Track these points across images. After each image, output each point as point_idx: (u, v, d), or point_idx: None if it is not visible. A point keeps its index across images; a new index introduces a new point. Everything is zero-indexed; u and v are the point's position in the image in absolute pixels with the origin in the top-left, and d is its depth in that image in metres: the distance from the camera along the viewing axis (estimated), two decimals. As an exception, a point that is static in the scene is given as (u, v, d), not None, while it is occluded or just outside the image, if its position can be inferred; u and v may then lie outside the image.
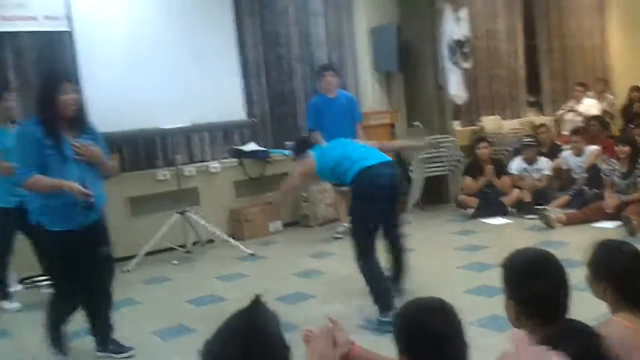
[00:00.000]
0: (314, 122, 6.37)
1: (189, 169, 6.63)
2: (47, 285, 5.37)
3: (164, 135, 6.44)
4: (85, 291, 3.70)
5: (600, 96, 9.41)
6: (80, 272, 3.59)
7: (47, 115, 3.47)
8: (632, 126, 8.48)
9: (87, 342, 3.89)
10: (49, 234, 3.51)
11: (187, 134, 6.65)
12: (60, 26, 5.93)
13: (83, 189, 3.40)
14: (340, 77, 7.92)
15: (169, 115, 6.01)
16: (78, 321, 3.86)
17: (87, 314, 3.80)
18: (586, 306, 2.55)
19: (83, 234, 3.54)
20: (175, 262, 5.93)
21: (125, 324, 4.43)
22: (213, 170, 6.78)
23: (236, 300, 4.70)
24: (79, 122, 3.60)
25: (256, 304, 1.48)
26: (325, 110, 6.36)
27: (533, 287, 1.99)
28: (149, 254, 5.89)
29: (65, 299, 3.72)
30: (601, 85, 9.64)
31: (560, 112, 9.29)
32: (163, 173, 6.43)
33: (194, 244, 6.26)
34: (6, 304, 4.99)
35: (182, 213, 6.04)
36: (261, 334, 1.42)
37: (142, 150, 6.50)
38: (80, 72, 5.83)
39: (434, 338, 1.75)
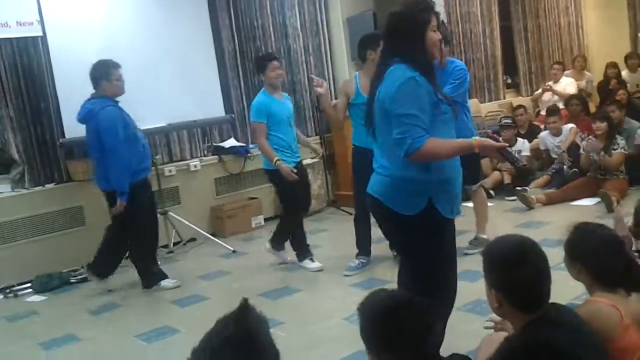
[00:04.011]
0: None
1: (169, 169, 6.60)
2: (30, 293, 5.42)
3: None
4: None
5: (579, 74, 9.45)
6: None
7: (423, 59, 2.72)
8: (607, 102, 8.53)
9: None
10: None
11: (165, 133, 6.62)
12: (33, 32, 5.88)
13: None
14: (318, 67, 7.95)
15: (147, 115, 5.96)
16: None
17: None
18: (568, 286, 2.61)
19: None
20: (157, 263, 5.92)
21: (108, 329, 4.47)
22: (193, 168, 6.77)
23: (220, 299, 4.77)
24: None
25: (245, 309, 1.44)
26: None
27: (515, 277, 2.00)
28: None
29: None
30: (581, 62, 9.67)
31: (538, 92, 9.34)
32: (143, 174, 6.40)
33: (176, 244, 6.26)
34: (310, 263, 5.24)
35: (164, 213, 6.04)
36: (252, 341, 1.39)
37: (120, 152, 6.46)
38: (55, 77, 5.81)
39: (407, 340, 1.74)
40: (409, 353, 1.76)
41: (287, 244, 5.40)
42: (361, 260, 5.06)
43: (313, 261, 5.27)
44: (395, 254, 5.01)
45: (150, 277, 5.17)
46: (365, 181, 4.91)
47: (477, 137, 2.68)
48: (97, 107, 4.89)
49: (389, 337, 1.76)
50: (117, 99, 5.01)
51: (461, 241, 5.40)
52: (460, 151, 2.69)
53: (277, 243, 5.39)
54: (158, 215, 5.87)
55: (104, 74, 4.95)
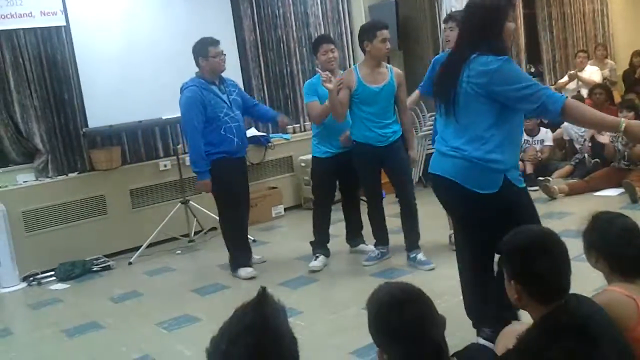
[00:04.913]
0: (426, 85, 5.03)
1: (190, 158, 6.64)
2: (54, 281, 5.50)
3: (164, 126, 6.46)
4: None
5: (601, 62, 9.32)
6: None
7: (504, 48, 2.87)
8: (638, 92, 8.43)
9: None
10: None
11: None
12: (56, 21, 5.95)
13: None
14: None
15: (168, 104, 5.97)
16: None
17: None
18: (589, 277, 2.61)
19: None
20: (178, 252, 5.98)
21: (129, 316, 4.53)
22: (214, 157, 6.79)
23: (240, 287, 4.79)
24: None
25: (263, 297, 1.44)
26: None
27: (534, 268, 1.99)
28: (151, 245, 5.94)
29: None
30: (602, 51, 9.53)
31: (564, 79, 9.21)
32: (164, 163, 6.45)
33: (197, 233, 6.28)
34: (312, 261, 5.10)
35: (184, 202, 6.08)
36: (271, 330, 1.38)
37: (142, 141, 6.52)
38: (78, 66, 5.85)
39: (405, 336, 1.73)
40: (413, 346, 1.74)
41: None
42: (381, 250, 5.05)
43: (316, 259, 5.12)
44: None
45: (232, 261, 5.14)
46: (373, 176, 4.94)
47: (627, 120, 2.70)
48: (184, 86, 4.96)
49: (393, 331, 1.75)
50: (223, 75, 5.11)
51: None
52: (603, 125, 2.84)
53: (350, 239, 5.39)
54: (178, 205, 5.94)
55: (201, 51, 4.96)
